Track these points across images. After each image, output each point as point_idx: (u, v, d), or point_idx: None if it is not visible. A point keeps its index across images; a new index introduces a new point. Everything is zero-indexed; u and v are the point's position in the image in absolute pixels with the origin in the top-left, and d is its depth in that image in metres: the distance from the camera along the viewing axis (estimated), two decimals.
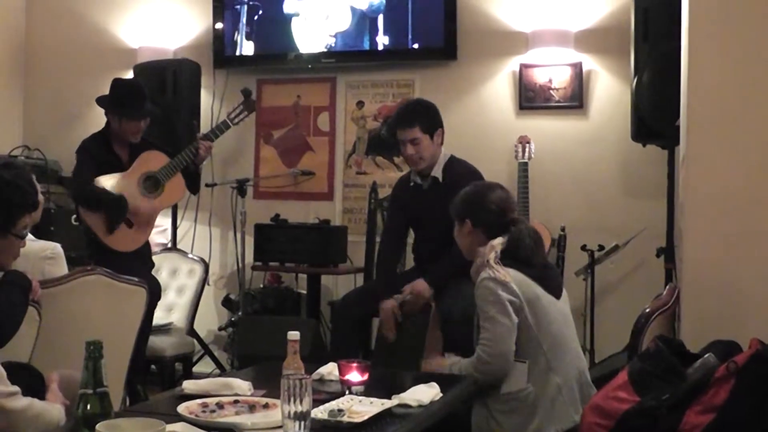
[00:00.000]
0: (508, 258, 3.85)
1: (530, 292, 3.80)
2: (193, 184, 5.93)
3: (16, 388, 2.81)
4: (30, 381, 3.16)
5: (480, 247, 3.94)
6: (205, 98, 7.17)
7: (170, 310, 6.33)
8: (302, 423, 2.47)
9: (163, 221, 6.79)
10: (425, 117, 5.16)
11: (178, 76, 6.82)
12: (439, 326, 4.86)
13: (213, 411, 2.89)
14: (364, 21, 6.84)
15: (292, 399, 2.46)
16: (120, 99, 5.57)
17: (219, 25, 7.21)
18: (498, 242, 3.89)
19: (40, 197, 3.49)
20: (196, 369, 6.54)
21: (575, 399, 3.80)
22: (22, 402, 2.81)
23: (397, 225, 5.46)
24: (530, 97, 6.53)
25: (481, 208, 4.02)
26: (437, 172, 5.14)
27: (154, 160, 5.67)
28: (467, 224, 4.06)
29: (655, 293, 4.53)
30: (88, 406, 2.31)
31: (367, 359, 4.29)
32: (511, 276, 3.78)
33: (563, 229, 5.99)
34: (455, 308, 4.68)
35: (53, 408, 2.94)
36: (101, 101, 5.67)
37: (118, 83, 5.72)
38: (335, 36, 6.92)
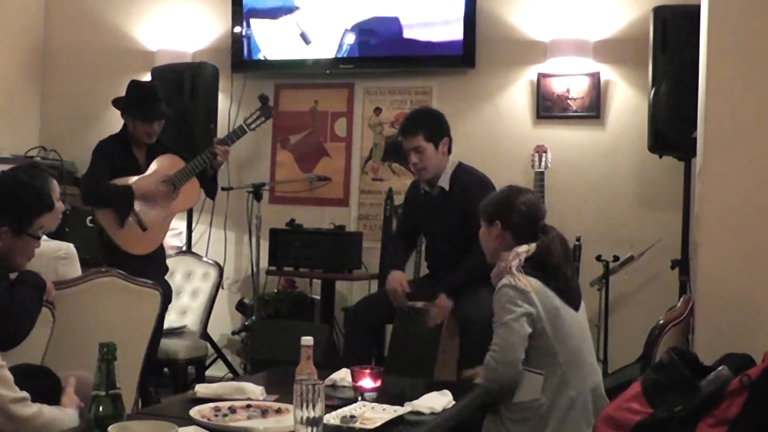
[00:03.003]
0: (535, 267, 3.80)
1: (550, 304, 3.75)
2: (210, 188, 5.94)
3: (24, 394, 2.79)
4: (47, 383, 3.17)
5: (504, 252, 3.92)
6: (223, 102, 7.18)
7: (184, 313, 6.33)
8: (314, 428, 2.47)
9: (178, 224, 6.80)
10: (429, 125, 5.11)
11: (196, 80, 6.83)
12: (455, 333, 4.85)
13: (225, 415, 2.90)
14: (383, 27, 6.84)
15: (304, 404, 2.46)
16: (134, 101, 5.60)
17: (238, 29, 7.23)
18: (523, 249, 3.84)
19: (58, 202, 3.50)
20: (208, 373, 6.54)
21: (588, 413, 3.76)
22: (31, 409, 2.79)
23: (407, 229, 5.47)
24: (548, 107, 6.52)
25: (512, 208, 3.94)
26: (444, 181, 5.10)
27: (170, 164, 5.68)
28: (497, 226, 3.98)
29: (669, 305, 4.53)
30: (101, 408, 2.32)
31: (380, 366, 4.28)
32: (533, 286, 3.74)
33: (578, 239, 5.95)
34: (472, 315, 4.67)
35: (65, 415, 2.93)
36: (117, 103, 5.70)
37: (133, 85, 5.74)
38: (353, 29, 6.90)
